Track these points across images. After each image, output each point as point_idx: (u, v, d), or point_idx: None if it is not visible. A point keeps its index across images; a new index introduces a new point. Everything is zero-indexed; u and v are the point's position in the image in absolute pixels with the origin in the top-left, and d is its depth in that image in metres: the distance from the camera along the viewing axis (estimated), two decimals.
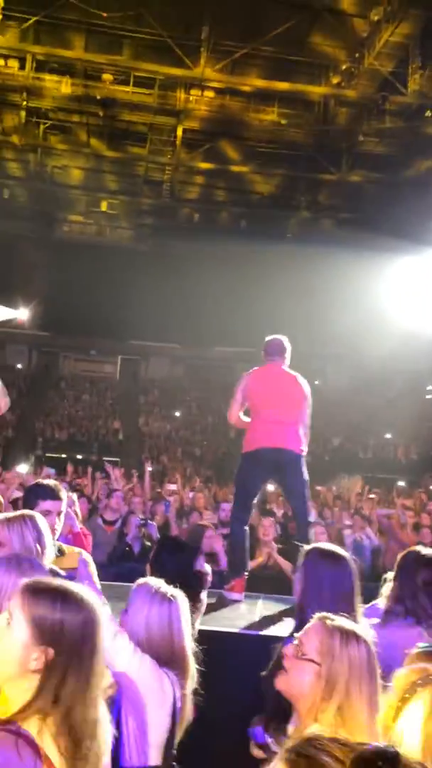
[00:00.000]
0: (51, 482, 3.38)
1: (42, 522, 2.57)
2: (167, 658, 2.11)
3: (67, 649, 1.48)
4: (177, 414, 22.60)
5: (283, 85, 16.04)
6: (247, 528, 4.52)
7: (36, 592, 1.53)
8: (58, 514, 3.22)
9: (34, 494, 3.23)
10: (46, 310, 23.20)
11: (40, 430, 20.25)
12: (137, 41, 15.84)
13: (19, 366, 24.79)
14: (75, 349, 25.60)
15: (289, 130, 17.27)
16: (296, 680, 1.65)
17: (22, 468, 13.94)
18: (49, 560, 2.56)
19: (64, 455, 18.80)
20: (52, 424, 20.74)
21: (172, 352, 25.32)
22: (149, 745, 2.06)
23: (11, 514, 2.63)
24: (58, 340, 24.82)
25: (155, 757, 2.06)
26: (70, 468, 11.87)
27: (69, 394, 23.15)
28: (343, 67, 15.73)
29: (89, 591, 1.58)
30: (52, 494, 3.20)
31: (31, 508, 3.21)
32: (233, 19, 14.71)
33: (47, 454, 18.75)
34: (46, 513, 3.15)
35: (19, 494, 8.45)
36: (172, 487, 10.35)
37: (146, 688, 2.05)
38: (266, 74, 16.11)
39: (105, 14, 14.87)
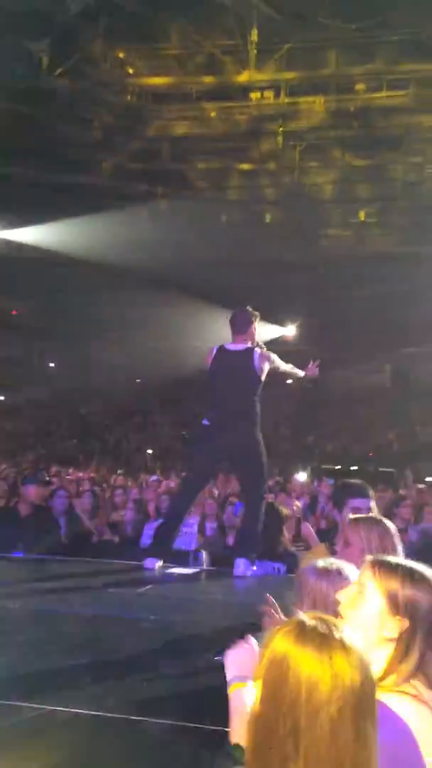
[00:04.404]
0: (359, 481, 3.47)
1: (392, 526, 2.55)
2: None
3: (422, 623, 1.55)
4: None
5: None
6: None
7: (388, 567, 1.62)
8: (368, 511, 3.29)
9: (345, 493, 3.35)
10: (311, 324, 23.69)
11: (314, 443, 20.67)
12: (386, 45, 15.66)
13: (288, 381, 25.56)
14: (342, 361, 25.72)
15: None
16: None
17: (302, 476, 14.34)
18: None
19: (338, 467, 18.96)
20: (326, 436, 21.06)
21: None
22: None
23: (360, 516, 2.72)
24: (325, 353, 25.12)
25: None
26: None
27: (339, 406, 23.34)
28: None
29: None
30: (363, 492, 3.29)
31: (341, 507, 3.32)
32: None
33: (323, 466, 19.05)
34: (356, 511, 3.23)
35: (302, 503, 8.72)
36: None
37: None
38: None
39: (353, 26, 14.95)
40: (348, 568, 2.13)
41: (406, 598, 1.60)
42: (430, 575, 1.63)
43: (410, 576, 1.63)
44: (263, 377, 5.46)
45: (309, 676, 1.16)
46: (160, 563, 5.26)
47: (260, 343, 5.70)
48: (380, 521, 2.52)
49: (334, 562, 2.19)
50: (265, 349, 5.66)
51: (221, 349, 5.60)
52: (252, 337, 5.61)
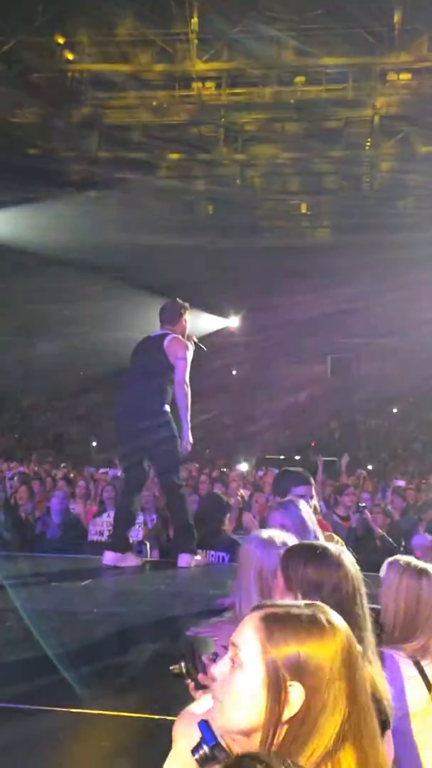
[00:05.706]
0: (300, 469, 3.51)
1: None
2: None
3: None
4: (394, 410, 22.08)
5: None
6: None
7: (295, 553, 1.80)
8: (310, 498, 3.33)
9: (287, 480, 3.38)
10: (255, 316, 23.83)
11: (258, 433, 20.84)
12: (326, 38, 15.77)
13: (234, 372, 25.75)
14: (285, 352, 25.95)
15: None
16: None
17: (243, 467, 14.46)
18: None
19: (282, 456, 19.16)
20: (269, 426, 21.25)
21: (383, 347, 24.72)
22: None
23: (285, 499, 2.81)
24: (268, 344, 25.33)
25: None
26: None
27: (283, 397, 23.56)
28: None
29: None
30: (304, 480, 3.33)
31: (284, 494, 3.35)
32: None
33: (266, 456, 19.22)
34: (299, 497, 3.27)
35: (246, 492, 8.79)
36: (400, 483, 10.20)
37: None
38: None
39: (295, 18, 15.02)
40: (289, 539, 2.22)
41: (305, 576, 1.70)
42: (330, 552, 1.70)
43: (317, 558, 1.73)
44: (177, 362, 5.09)
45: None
46: (118, 556, 5.04)
47: (192, 337, 5.40)
48: (296, 502, 2.69)
49: (276, 534, 2.28)
50: (194, 341, 5.36)
51: (143, 339, 5.43)
52: (182, 329, 5.33)
